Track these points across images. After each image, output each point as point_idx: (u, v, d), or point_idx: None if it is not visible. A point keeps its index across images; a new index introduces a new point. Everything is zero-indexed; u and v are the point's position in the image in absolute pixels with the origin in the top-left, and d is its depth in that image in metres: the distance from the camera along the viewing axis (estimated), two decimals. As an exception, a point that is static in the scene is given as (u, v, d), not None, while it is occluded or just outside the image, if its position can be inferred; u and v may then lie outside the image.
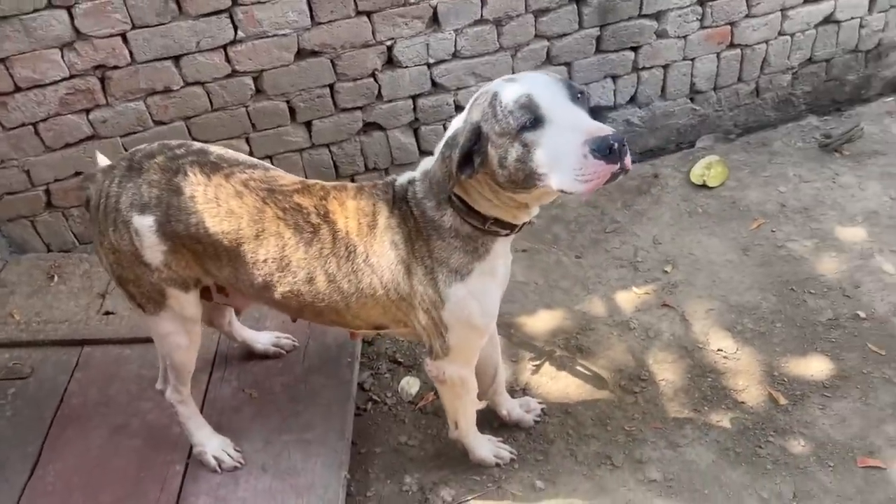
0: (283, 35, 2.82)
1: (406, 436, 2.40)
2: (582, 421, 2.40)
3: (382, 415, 2.47)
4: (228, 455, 2.17)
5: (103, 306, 2.68)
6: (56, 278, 2.83)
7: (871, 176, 3.30)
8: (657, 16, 3.27)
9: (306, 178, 1.97)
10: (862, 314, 2.66)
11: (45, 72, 2.64)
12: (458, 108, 3.13)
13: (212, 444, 2.17)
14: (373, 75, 3.02)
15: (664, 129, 3.62)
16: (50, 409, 2.35)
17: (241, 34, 2.77)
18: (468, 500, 2.20)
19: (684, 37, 3.36)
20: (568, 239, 3.14)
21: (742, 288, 2.83)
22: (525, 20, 3.09)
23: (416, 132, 3.25)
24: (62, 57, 2.64)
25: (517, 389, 2.52)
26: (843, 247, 2.96)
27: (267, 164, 1.95)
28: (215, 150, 1.89)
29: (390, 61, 3.03)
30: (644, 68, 3.40)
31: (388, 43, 2.97)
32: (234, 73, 2.85)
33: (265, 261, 1.80)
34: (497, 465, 2.26)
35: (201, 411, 2.26)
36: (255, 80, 2.90)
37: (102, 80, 2.73)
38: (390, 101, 3.11)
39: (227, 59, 2.81)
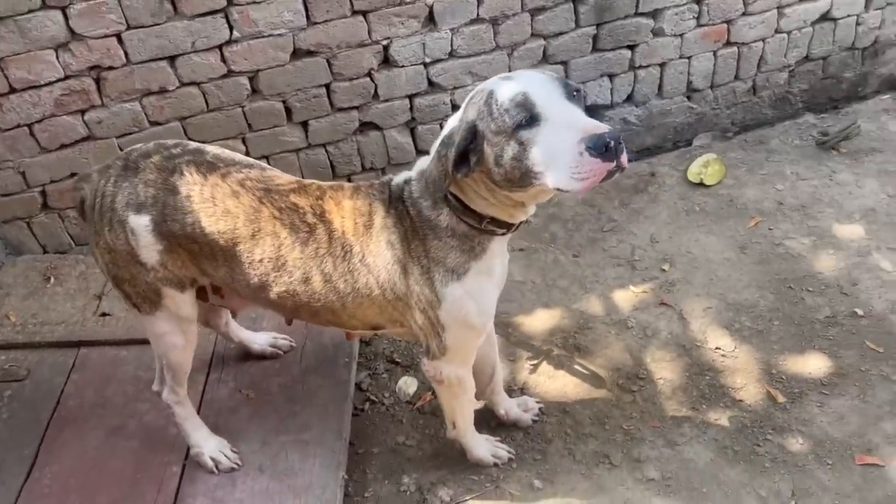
0: (279, 35, 2.81)
1: (404, 436, 2.39)
2: (580, 420, 2.40)
3: (380, 415, 2.46)
4: (225, 456, 2.16)
5: (100, 308, 2.67)
6: (52, 280, 2.82)
7: (868, 173, 3.30)
8: (653, 14, 3.26)
9: (303, 178, 1.96)
10: (860, 312, 2.66)
11: (40, 73, 2.64)
12: (455, 108, 3.13)
13: (209, 445, 2.17)
14: (369, 75, 3.02)
15: (661, 128, 3.62)
16: (46, 410, 2.34)
17: (236, 34, 2.77)
18: (466, 500, 2.20)
19: (681, 35, 3.36)
20: (565, 238, 3.14)
21: (740, 286, 2.83)
22: (521, 19, 3.09)
23: (412, 132, 3.24)
24: (57, 58, 2.63)
25: (515, 389, 2.51)
26: (840, 244, 2.96)
27: (263, 163, 1.95)
28: (211, 149, 1.89)
29: (386, 61, 3.02)
30: (641, 67, 3.39)
31: (384, 42, 2.96)
32: (229, 74, 2.84)
33: (261, 260, 1.79)
34: (495, 464, 2.26)
35: (198, 412, 2.26)
36: (250, 80, 2.89)
37: (97, 81, 2.72)
38: (387, 100, 3.11)
39: (223, 60, 2.81)
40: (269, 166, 1.93)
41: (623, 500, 2.17)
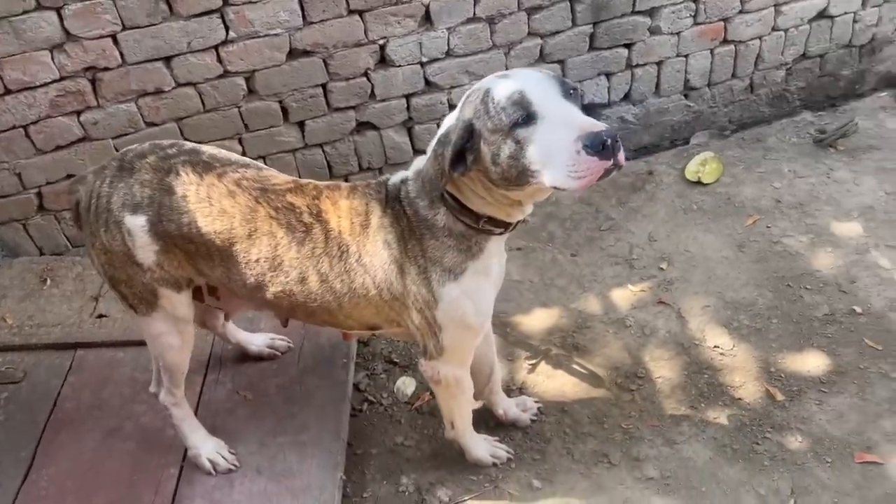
0: (275, 35, 2.80)
1: (402, 436, 2.39)
2: (579, 419, 2.39)
3: (378, 415, 2.46)
4: (223, 457, 2.16)
5: (96, 309, 2.66)
6: (49, 282, 2.81)
7: (865, 171, 3.30)
8: (650, 12, 3.26)
9: (300, 178, 1.96)
10: (858, 309, 2.66)
11: (35, 74, 2.63)
12: (452, 107, 3.10)
13: (206, 447, 2.16)
14: (366, 74, 3.01)
15: (658, 126, 3.61)
16: (43, 413, 2.33)
17: (232, 34, 2.76)
18: (465, 501, 2.19)
19: (678, 33, 3.35)
20: (563, 237, 3.13)
21: (738, 284, 2.82)
22: (518, 18, 3.08)
23: (409, 131, 3.23)
24: (52, 59, 2.62)
25: (513, 388, 2.51)
26: (838, 242, 2.96)
27: (260, 163, 1.94)
28: (207, 149, 1.88)
29: (383, 60, 3.01)
30: (638, 65, 3.39)
31: (381, 42, 2.95)
32: (225, 74, 2.84)
33: (257, 260, 1.79)
34: (494, 464, 2.25)
35: (195, 414, 2.25)
36: (247, 80, 2.88)
37: (93, 82, 2.72)
38: (383, 100, 3.10)
39: (219, 60, 2.80)
40: (265, 166, 1.92)
41: (622, 499, 2.16)
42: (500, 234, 1.75)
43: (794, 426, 2.31)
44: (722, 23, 3.39)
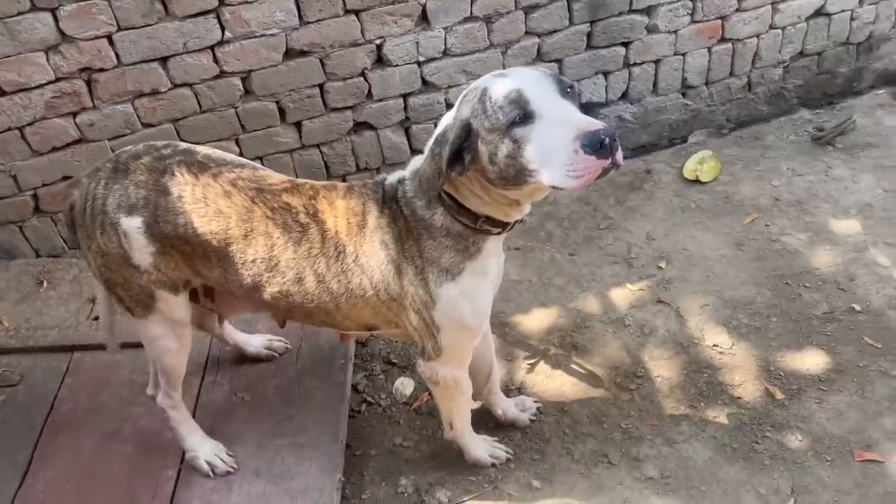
0: (271, 35, 2.79)
1: (401, 437, 2.38)
2: (578, 419, 2.38)
3: (377, 416, 2.45)
4: (221, 460, 2.15)
5: (93, 311, 2.65)
6: (45, 284, 2.80)
7: (864, 168, 3.30)
8: (648, 11, 3.25)
9: (296, 178, 1.95)
10: (857, 307, 2.65)
11: (31, 75, 2.61)
12: (450, 107, 3.08)
13: (204, 449, 2.15)
14: (362, 74, 3.00)
15: (656, 125, 3.61)
16: (40, 416, 2.32)
17: (228, 35, 2.75)
18: (464, 501, 2.18)
19: (675, 32, 3.35)
20: (561, 236, 3.12)
21: (737, 283, 2.82)
22: (515, 17, 3.07)
23: (407, 131, 3.23)
24: (47, 60, 2.61)
25: (512, 388, 2.50)
26: (837, 240, 2.95)
27: (256, 163, 1.93)
28: (202, 149, 1.87)
29: (380, 60, 3.00)
30: (635, 64, 3.38)
31: (378, 42, 2.94)
32: (222, 74, 2.83)
33: (254, 261, 1.78)
34: (493, 465, 2.25)
35: (193, 416, 2.24)
36: (243, 80, 2.87)
37: (89, 83, 2.70)
38: (381, 100, 3.09)
39: (215, 60, 2.79)
40: (261, 166, 1.92)
41: (622, 499, 2.16)
42: (498, 233, 1.74)
43: (793, 425, 2.30)
44: (719, 21, 3.39)
